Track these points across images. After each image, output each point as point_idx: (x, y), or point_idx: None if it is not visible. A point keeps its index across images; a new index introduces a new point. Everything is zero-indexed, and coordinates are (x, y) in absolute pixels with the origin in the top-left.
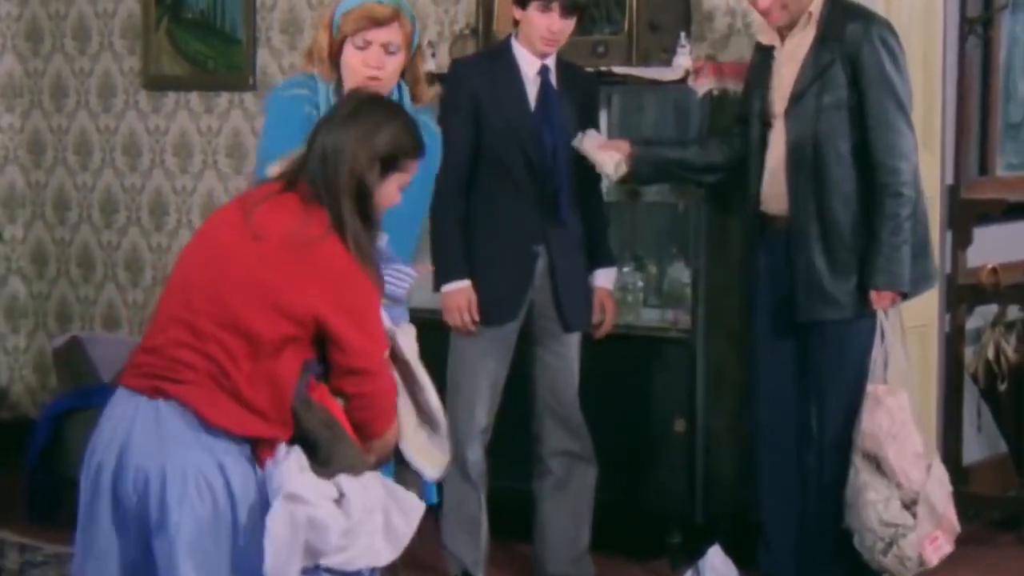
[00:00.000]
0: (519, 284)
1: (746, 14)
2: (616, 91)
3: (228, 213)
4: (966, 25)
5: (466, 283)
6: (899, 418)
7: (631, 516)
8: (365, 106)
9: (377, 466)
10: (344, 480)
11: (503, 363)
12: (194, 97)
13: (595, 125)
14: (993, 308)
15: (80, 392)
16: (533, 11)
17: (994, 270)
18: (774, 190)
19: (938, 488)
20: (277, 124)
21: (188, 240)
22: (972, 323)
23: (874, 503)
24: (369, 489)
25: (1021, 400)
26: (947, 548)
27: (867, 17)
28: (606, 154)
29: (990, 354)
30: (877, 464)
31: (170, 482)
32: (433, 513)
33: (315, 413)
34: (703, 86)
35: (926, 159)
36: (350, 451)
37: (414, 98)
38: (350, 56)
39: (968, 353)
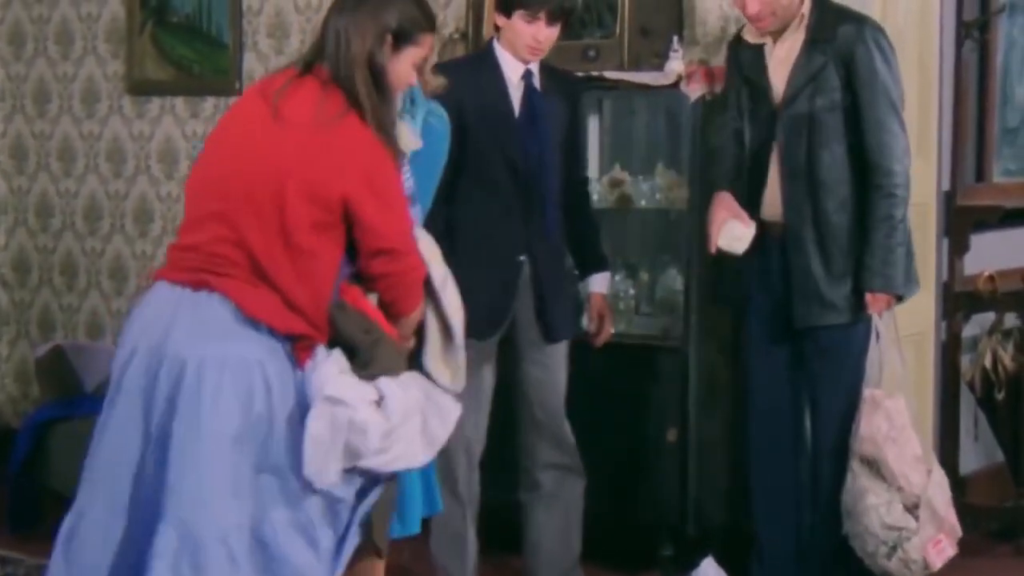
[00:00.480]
0: (504, 296)
1: (739, 19)
2: (607, 96)
3: (249, 103)
4: (962, 29)
5: None
6: (898, 421)
7: (622, 527)
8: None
9: (405, 344)
10: (383, 382)
11: (489, 376)
12: (179, 102)
13: (580, 129)
14: (990, 316)
15: (63, 402)
16: (518, 19)
17: (991, 277)
18: (768, 195)
19: (939, 492)
20: None
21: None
22: (969, 331)
23: (875, 507)
24: (408, 391)
25: (1018, 409)
26: (950, 551)
27: (859, 19)
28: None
29: (987, 362)
30: (876, 468)
31: (207, 372)
32: (428, 524)
33: (352, 317)
34: (696, 91)
35: (922, 165)
36: (389, 353)
37: (424, 87)
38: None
39: (965, 361)
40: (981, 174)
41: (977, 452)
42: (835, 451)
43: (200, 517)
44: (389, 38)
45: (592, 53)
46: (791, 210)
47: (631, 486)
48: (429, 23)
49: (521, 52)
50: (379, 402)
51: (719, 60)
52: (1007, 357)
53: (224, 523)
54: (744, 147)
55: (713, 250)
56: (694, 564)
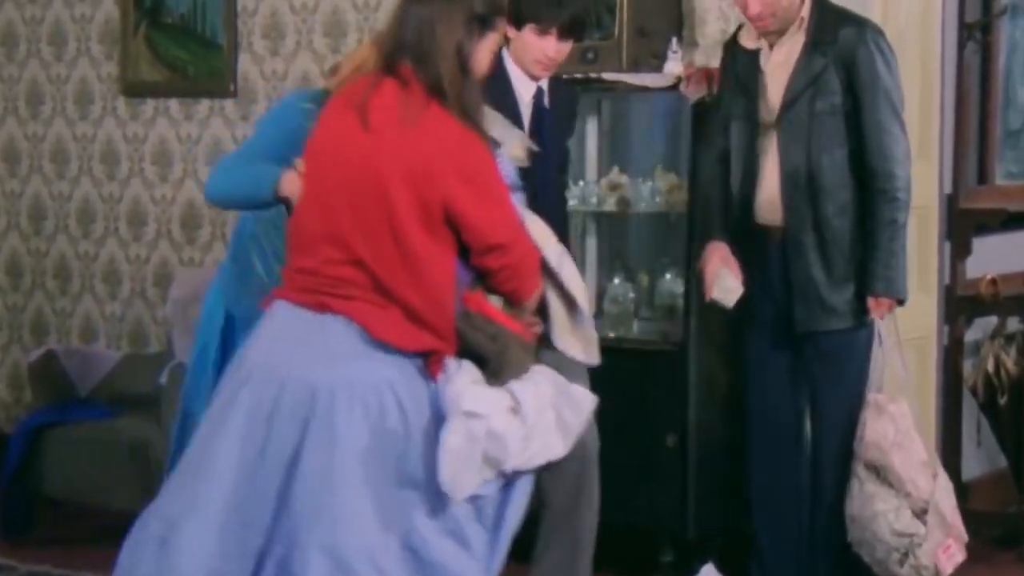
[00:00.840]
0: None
1: (738, 19)
2: (606, 98)
3: (336, 116)
4: (964, 30)
5: None
6: (903, 426)
7: (622, 532)
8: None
9: (533, 330)
10: (516, 387)
11: None
12: (173, 104)
13: (574, 137)
14: (992, 320)
15: (56, 407)
16: (529, 33)
17: (993, 281)
18: (767, 200)
19: (945, 497)
20: (272, 123)
21: (169, 246)
22: (971, 335)
23: (884, 513)
24: (540, 389)
25: (1021, 414)
26: (959, 556)
27: (859, 22)
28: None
29: (989, 367)
30: (882, 474)
31: (337, 396)
32: None
33: (478, 327)
34: (695, 93)
35: (924, 167)
36: (518, 356)
37: None
38: None
39: (967, 366)
40: (983, 177)
41: (979, 458)
42: (837, 456)
43: (344, 540)
44: (476, 26)
45: (591, 55)
46: (791, 214)
47: (631, 490)
48: (503, 7)
49: (531, 67)
50: (514, 408)
51: (719, 62)
52: (1010, 361)
53: (368, 542)
54: (729, 165)
55: (708, 299)
56: (694, 570)
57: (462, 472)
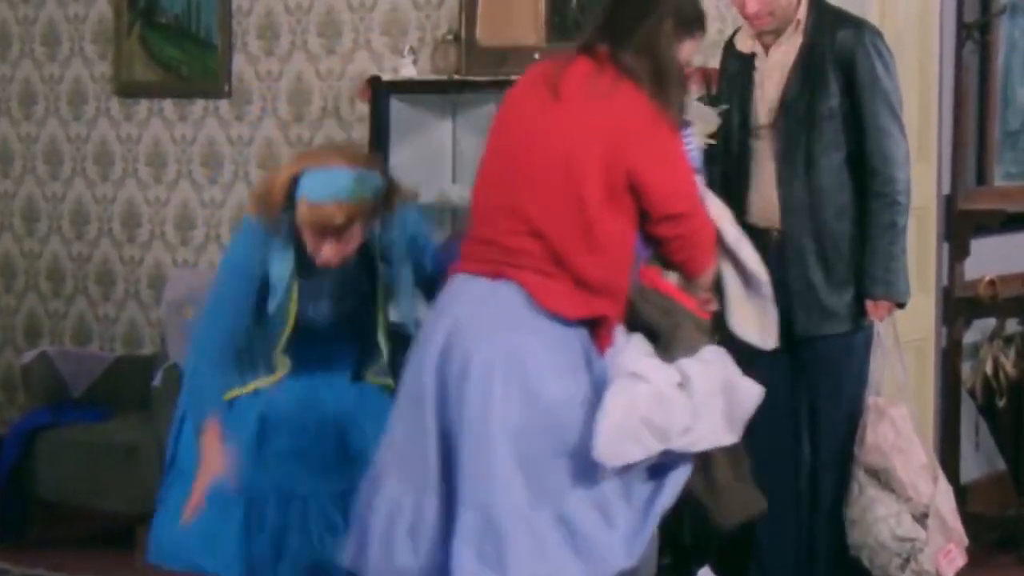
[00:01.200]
0: None
1: (736, 19)
2: None
3: (525, 90)
4: (963, 30)
5: None
6: (903, 430)
7: None
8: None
9: (708, 307)
10: (685, 363)
11: None
12: (168, 104)
13: None
14: (991, 322)
15: (50, 409)
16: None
17: (992, 282)
18: (763, 203)
19: (946, 500)
20: (232, 276)
21: (163, 247)
22: (969, 337)
23: (885, 518)
24: (710, 371)
25: (1020, 416)
26: (960, 560)
27: (857, 23)
28: None
29: (988, 369)
30: (883, 478)
31: (496, 363)
32: None
33: (653, 301)
34: (692, 93)
35: (922, 168)
36: (690, 333)
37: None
38: (306, 235)
39: (965, 368)
40: (982, 177)
41: (978, 460)
42: (836, 460)
43: (497, 500)
44: (679, 28)
45: None
46: (789, 218)
47: None
48: (704, 23)
49: None
50: (681, 384)
51: (716, 62)
52: (1008, 363)
53: (520, 502)
54: (723, 166)
55: None
56: (691, 573)
57: (619, 437)
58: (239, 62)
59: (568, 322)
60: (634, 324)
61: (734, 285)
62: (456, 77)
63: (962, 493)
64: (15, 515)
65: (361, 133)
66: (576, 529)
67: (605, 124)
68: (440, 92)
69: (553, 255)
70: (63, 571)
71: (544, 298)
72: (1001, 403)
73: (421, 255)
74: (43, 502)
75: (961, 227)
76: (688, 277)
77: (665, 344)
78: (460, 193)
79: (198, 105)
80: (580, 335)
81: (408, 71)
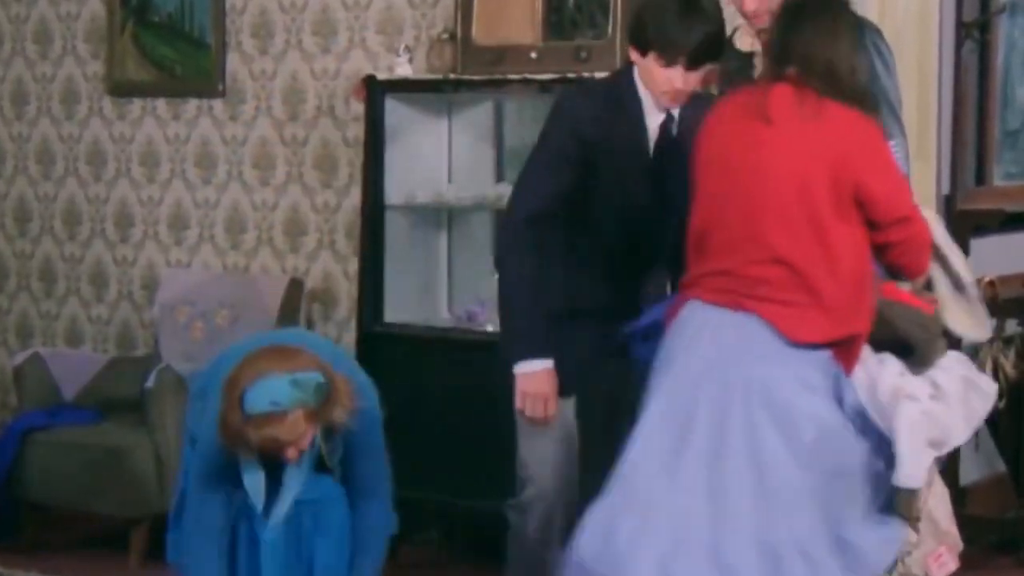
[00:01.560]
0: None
1: (734, 18)
2: None
3: (728, 123)
4: (962, 29)
5: (549, 363)
6: None
7: None
8: (842, 16)
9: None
10: (934, 373)
11: (571, 440)
12: (161, 104)
13: None
14: (991, 323)
15: (41, 411)
16: (653, 62)
17: (991, 283)
18: None
19: (940, 504)
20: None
21: (156, 247)
22: None
23: None
24: (951, 374)
25: (1020, 418)
26: (952, 565)
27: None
28: None
29: (987, 370)
30: None
31: (755, 392)
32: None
33: (906, 314)
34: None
35: (921, 168)
36: (942, 346)
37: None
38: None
39: None
40: (981, 177)
41: (978, 462)
42: None
43: (774, 533)
44: (855, 41)
45: (584, 54)
46: None
47: None
48: (876, 28)
49: (659, 98)
50: (934, 396)
51: None
52: (1008, 365)
53: (798, 532)
54: None
55: None
56: None
57: (916, 460)
58: (233, 61)
59: (817, 346)
60: (882, 340)
61: (943, 285)
62: (452, 76)
63: (961, 495)
64: (7, 517)
65: (356, 133)
66: (854, 550)
67: (825, 142)
68: (436, 91)
69: (797, 281)
70: (56, 574)
71: (791, 330)
72: (1001, 404)
73: (357, 455)
74: (36, 504)
75: (960, 227)
76: (908, 279)
77: (921, 358)
78: (455, 193)
79: (191, 104)
80: (827, 358)
81: (404, 70)
